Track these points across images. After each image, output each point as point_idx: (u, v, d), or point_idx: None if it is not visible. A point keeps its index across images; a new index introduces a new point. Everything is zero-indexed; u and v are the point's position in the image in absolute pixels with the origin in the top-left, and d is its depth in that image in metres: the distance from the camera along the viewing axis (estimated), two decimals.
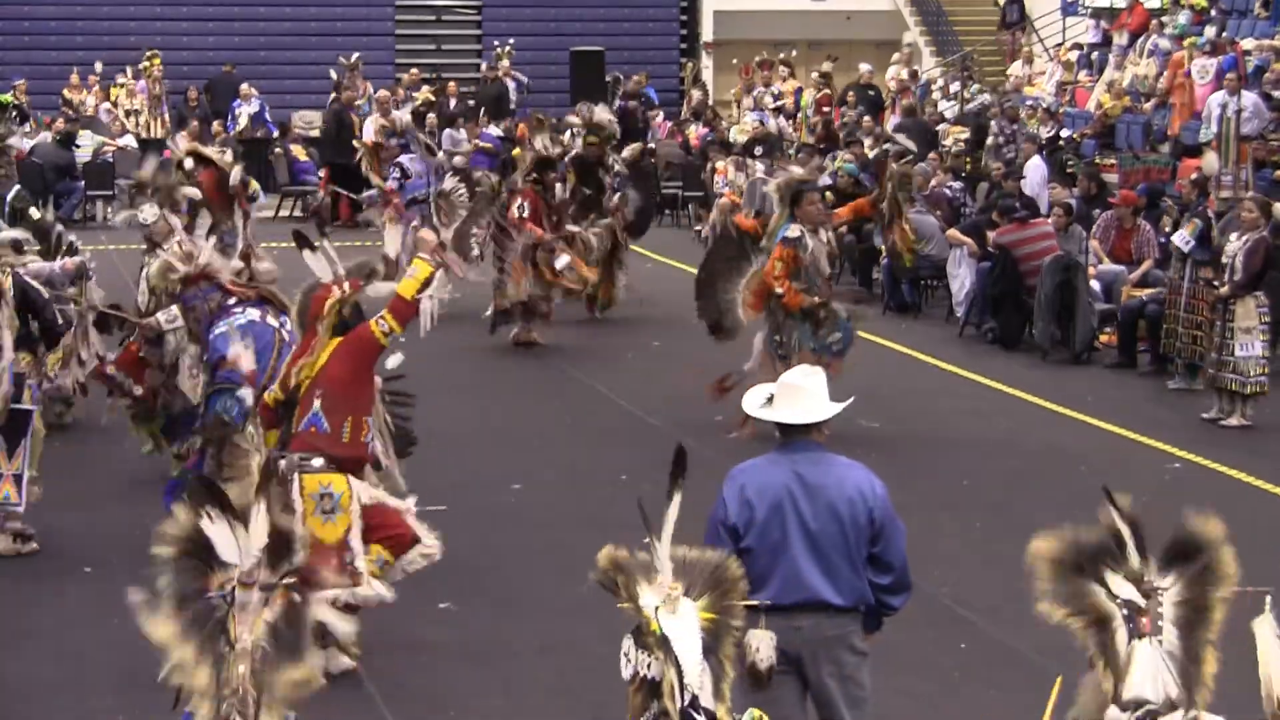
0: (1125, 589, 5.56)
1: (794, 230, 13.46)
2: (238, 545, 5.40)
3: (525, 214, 16.99)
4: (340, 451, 8.49)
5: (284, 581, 5.39)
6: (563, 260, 17.13)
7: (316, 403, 8.47)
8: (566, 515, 11.40)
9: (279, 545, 5.44)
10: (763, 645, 6.26)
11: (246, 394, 9.98)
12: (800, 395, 6.76)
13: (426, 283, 8.76)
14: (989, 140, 24.48)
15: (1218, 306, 14.48)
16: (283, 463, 8.25)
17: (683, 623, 5.61)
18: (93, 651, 9.18)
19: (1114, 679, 5.43)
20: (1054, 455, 13.33)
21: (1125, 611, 5.50)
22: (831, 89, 29.02)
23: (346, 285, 8.74)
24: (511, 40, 31.22)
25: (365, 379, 8.70)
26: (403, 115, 22.29)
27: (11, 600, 10.09)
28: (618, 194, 19.01)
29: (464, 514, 10.97)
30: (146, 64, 28.92)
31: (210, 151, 15.29)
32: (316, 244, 8.90)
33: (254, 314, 10.50)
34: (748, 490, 6.63)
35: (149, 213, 12.69)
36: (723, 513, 6.63)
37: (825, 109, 28.30)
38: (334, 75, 28.48)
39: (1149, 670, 5.44)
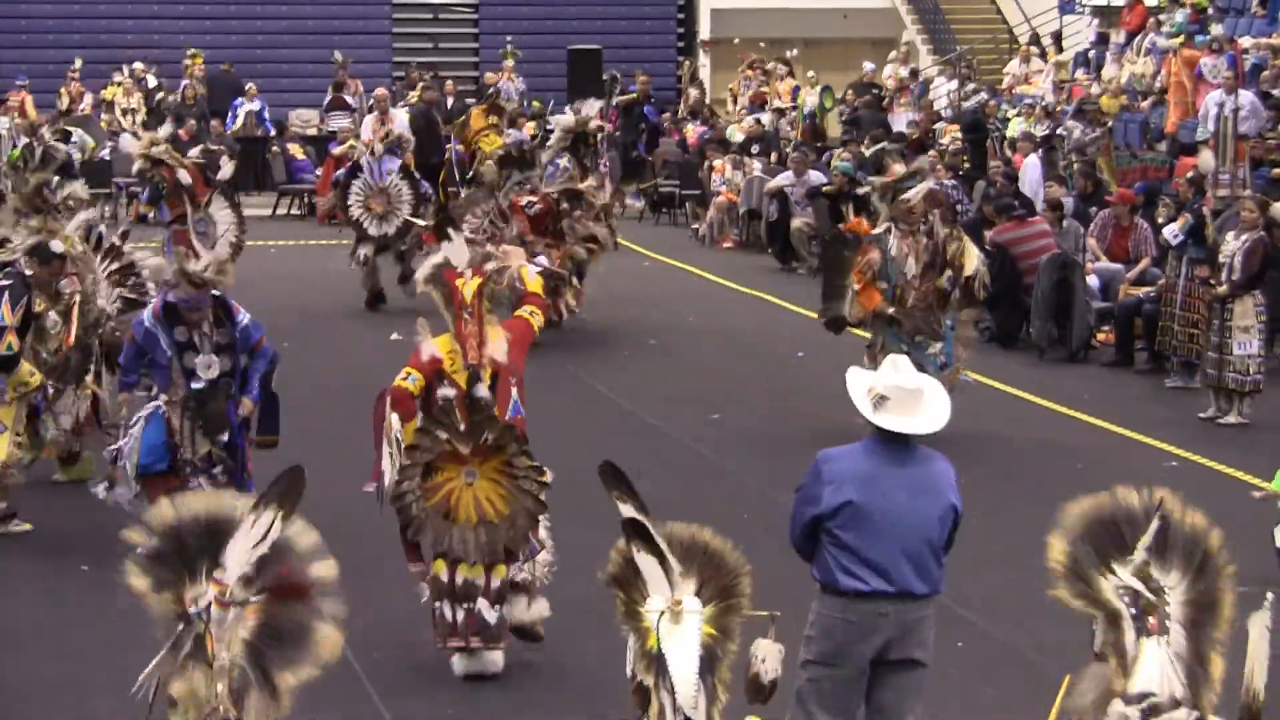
0: (1133, 585, 5.58)
1: (880, 228, 13.46)
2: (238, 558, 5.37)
3: (534, 209, 16.78)
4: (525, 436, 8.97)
5: (257, 598, 5.37)
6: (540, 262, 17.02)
7: (514, 391, 8.94)
8: (564, 514, 11.39)
9: (267, 559, 5.41)
10: (770, 657, 6.24)
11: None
12: (917, 401, 6.70)
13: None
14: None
15: (1215, 306, 14.50)
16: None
17: (683, 637, 5.59)
18: (93, 652, 9.18)
19: (1124, 676, 5.45)
20: (1051, 453, 13.35)
21: (1133, 610, 5.51)
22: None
23: (475, 271, 9.10)
24: (509, 38, 31.21)
25: None
26: (401, 117, 22.31)
27: (11, 600, 10.10)
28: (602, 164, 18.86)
29: None
30: (189, 62, 28.84)
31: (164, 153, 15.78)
32: (453, 234, 9.54)
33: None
34: (839, 477, 6.67)
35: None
36: (812, 495, 6.69)
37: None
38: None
39: (1155, 666, 5.46)
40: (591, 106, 18.92)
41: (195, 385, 10.32)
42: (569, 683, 8.89)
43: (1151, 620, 5.53)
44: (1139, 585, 5.58)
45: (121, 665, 8.58)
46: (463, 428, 8.75)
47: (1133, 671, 5.48)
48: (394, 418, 8.82)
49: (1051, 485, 12.41)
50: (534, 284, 9.39)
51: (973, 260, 13.63)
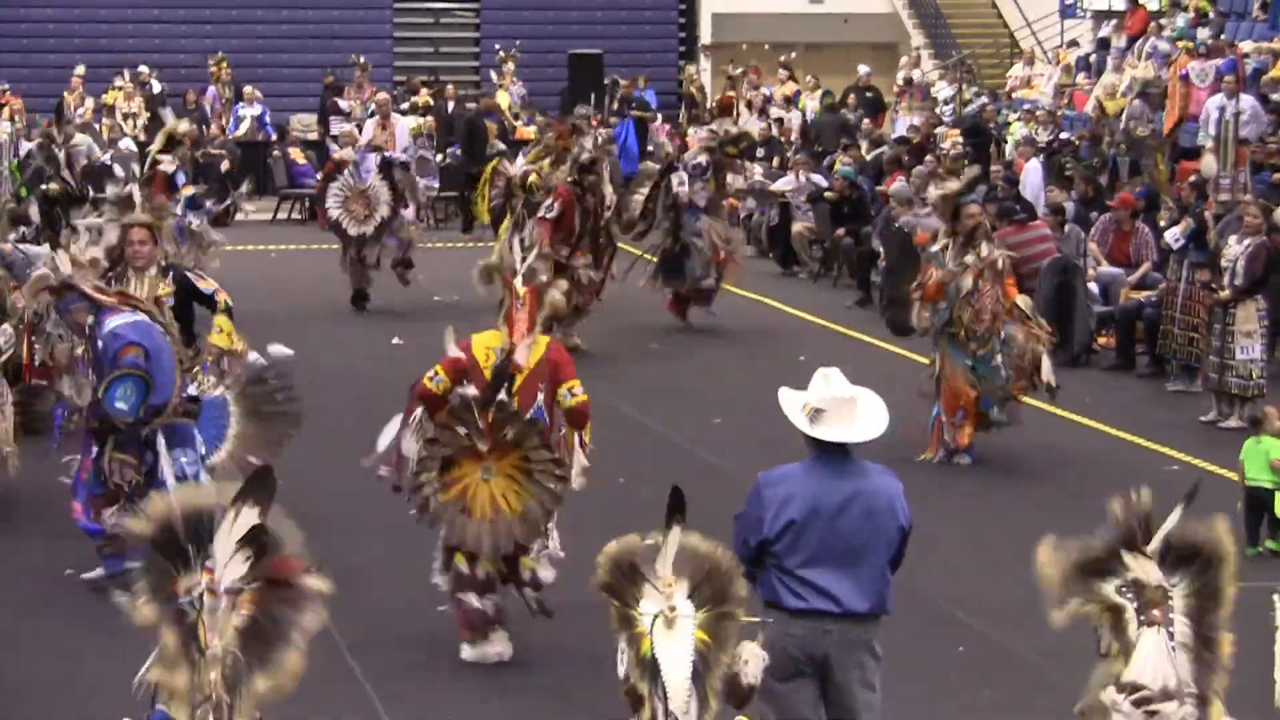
0: (1138, 579, 5.58)
1: (936, 245, 13.23)
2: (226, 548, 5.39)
3: (551, 214, 16.59)
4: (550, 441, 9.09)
5: (251, 585, 5.39)
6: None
7: (539, 396, 9.04)
8: (563, 517, 11.40)
9: (256, 549, 5.42)
10: (752, 661, 6.17)
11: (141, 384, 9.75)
12: (852, 410, 6.64)
13: None
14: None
15: (1217, 310, 14.50)
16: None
17: (676, 643, 5.57)
18: (92, 652, 9.18)
19: (1125, 664, 5.47)
20: (1052, 457, 13.33)
21: (1136, 604, 5.52)
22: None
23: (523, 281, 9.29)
24: (518, 42, 31.22)
25: None
26: (403, 124, 22.39)
27: (11, 601, 10.09)
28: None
29: None
30: (215, 67, 28.81)
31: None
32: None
33: (135, 316, 9.98)
34: (781, 500, 6.59)
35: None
36: (753, 517, 6.62)
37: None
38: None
39: (1150, 657, 5.47)
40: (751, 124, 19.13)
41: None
42: (568, 685, 8.88)
43: (1155, 612, 5.54)
44: (1145, 578, 5.58)
45: (121, 666, 8.61)
46: (482, 425, 8.86)
47: (1130, 660, 5.51)
48: (419, 411, 9.16)
49: (1052, 489, 12.42)
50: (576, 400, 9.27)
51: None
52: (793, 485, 6.63)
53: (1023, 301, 13.31)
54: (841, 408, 6.62)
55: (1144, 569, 5.57)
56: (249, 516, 5.39)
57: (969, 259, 13.02)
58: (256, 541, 5.38)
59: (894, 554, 6.72)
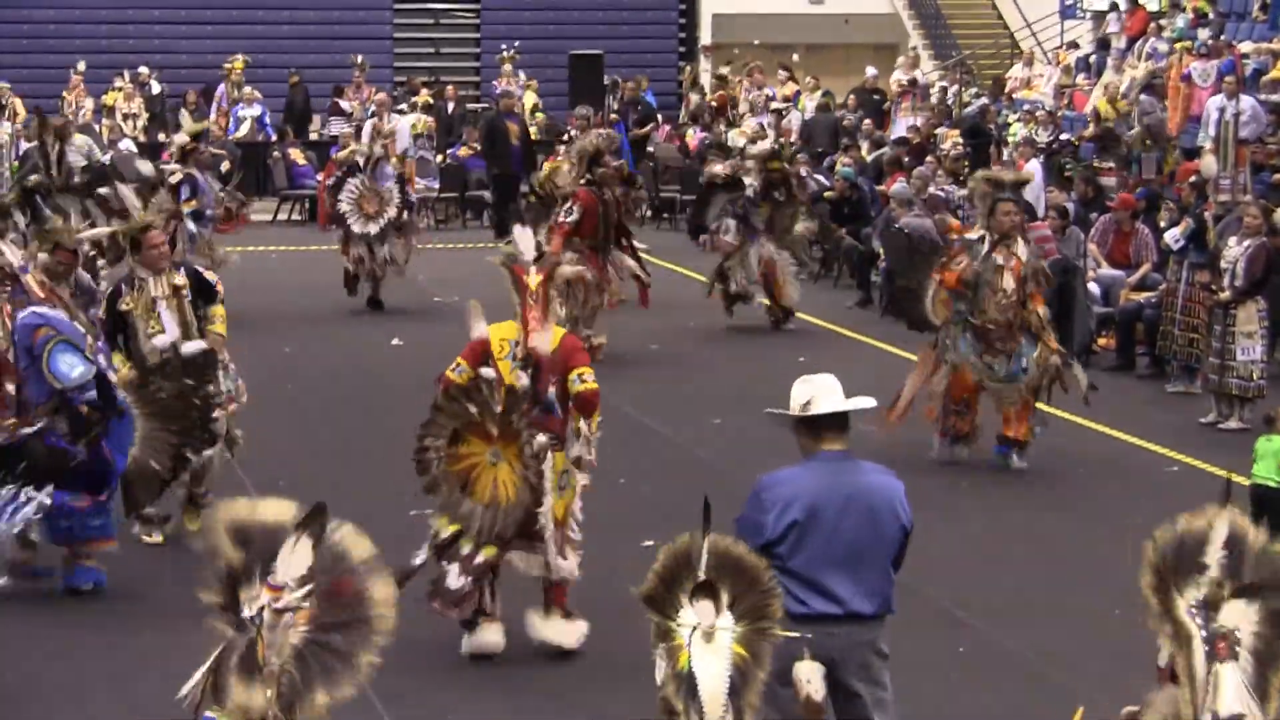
0: (1206, 608, 5.52)
1: (976, 233, 13.10)
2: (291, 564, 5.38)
3: (571, 217, 16.28)
4: (562, 435, 9.13)
5: (310, 604, 5.38)
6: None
7: (551, 389, 9.06)
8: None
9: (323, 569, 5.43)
10: (814, 677, 6.11)
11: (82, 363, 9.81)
12: (837, 389, 6.72)
13: None
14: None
15: (1217, 311, 14.50)
16: (540, 439, 8.94)
17: (714, 657, 5.56)
18: (92, 653, 9.18)
19: (1192, 701, 5.39)
20: (1052, 458, 13.32)
21: (1205, 634, 5.46)
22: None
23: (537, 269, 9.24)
24: (517, 43, 31.23)
25: None
26: (402, 125, 22.35)
27: (10, 602, 10.09)
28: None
29: None
30: (228, 66, 28.78)
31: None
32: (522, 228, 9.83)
33: (54, 311, 10.06)
34: (783, 502, 6.58)
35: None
36: (754, 520, 6.59)
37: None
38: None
39: (1238, 690, 5.40)
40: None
41: None
42: (568, 684, 8.89)
43: (1221, 645, 5.47)
44: (1212, 609, 5.53)
45: (120, 668, 8.62)
46: (497, 407, 8.88)
47: (1218, 693, 5.42)
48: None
49: (1053, 490, 12.42)
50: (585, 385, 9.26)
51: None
52: (794, 486, 6.63)
53: (1044, 312, 13.20)
54: (827, 391, 6.69)
55: (1212, 596, 5.50)
56: (306, 548, 5.38)
57: (998, 258, 12.91)
58: (320, 561, 5.37)
59: (895, 554, 6.72)
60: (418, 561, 9.05)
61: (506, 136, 25.01)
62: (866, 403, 6.79)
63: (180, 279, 10.87)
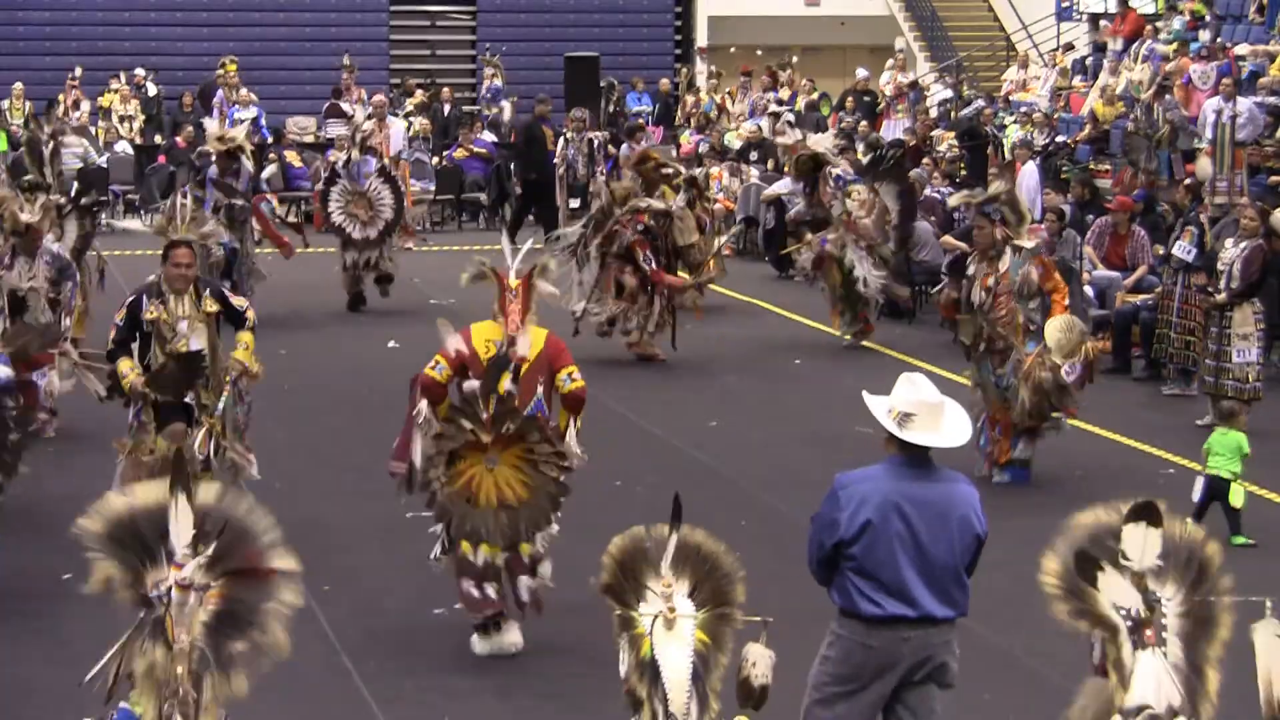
0: (1128, 597, 5.55)
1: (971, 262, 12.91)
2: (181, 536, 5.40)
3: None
4: (551, 434, 9.20)
5: (218, 580, 5.40)
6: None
7: (539, 389, 9.16)
8: (560, 520, 11.41)
9: (204, 535, 5.44)
10: (760, 662, 6.15)
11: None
12: (939, 416, 6.62)
13: None
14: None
15: (1213, 313, 14.49)
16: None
17: (676, 644, 5.56)
18: (92, 653, 9.15)
19: (1123, 691, 5.42)
20: (1048, 460, 13.30)
21: (1130, 623, 5.49)
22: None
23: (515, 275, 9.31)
24: (504, 46, 31.20)
25: None
26: (398, 126, 22.33)
27: (10, 602, 10.07)
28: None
29: None
30: (221, 71, 28.75)
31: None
32: (514, 241, 10.07)
33: None
34: (858, 501, 6.53)
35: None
36: (829, 517, 6.56)
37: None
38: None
39: (1152, 679, 5.43)
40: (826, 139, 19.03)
41: None
42: (565, 684, 8.88)
43: (1147, 632, 5.51)
44: (1135, 598, 5.56)
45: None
46: (485, 418, 8.94)
47: (1130, 685, 5.46)
48: (423, 404, 9.22)
49: (1049, 492, 12.41)
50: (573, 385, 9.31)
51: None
52: (871, 486, 6.58)
53: (1022, 321, 12.74)
54: (930, 413, 6.60)
55: (1136, 583, 5.54)
56: (185, 506, 5.40)
57: (981, 273, 12.74)
58: (221, 535, 5.39)
59: (968, 563, 6.71)
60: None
61: (543, 142, 25.01)
62: (960, 440, 6.68)
63: (213, 305, 10.45)
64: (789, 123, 22.33)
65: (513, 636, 9.23)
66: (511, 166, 26.88)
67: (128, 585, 5.44)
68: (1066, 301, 12.91)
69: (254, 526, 5.56)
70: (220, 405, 10.44)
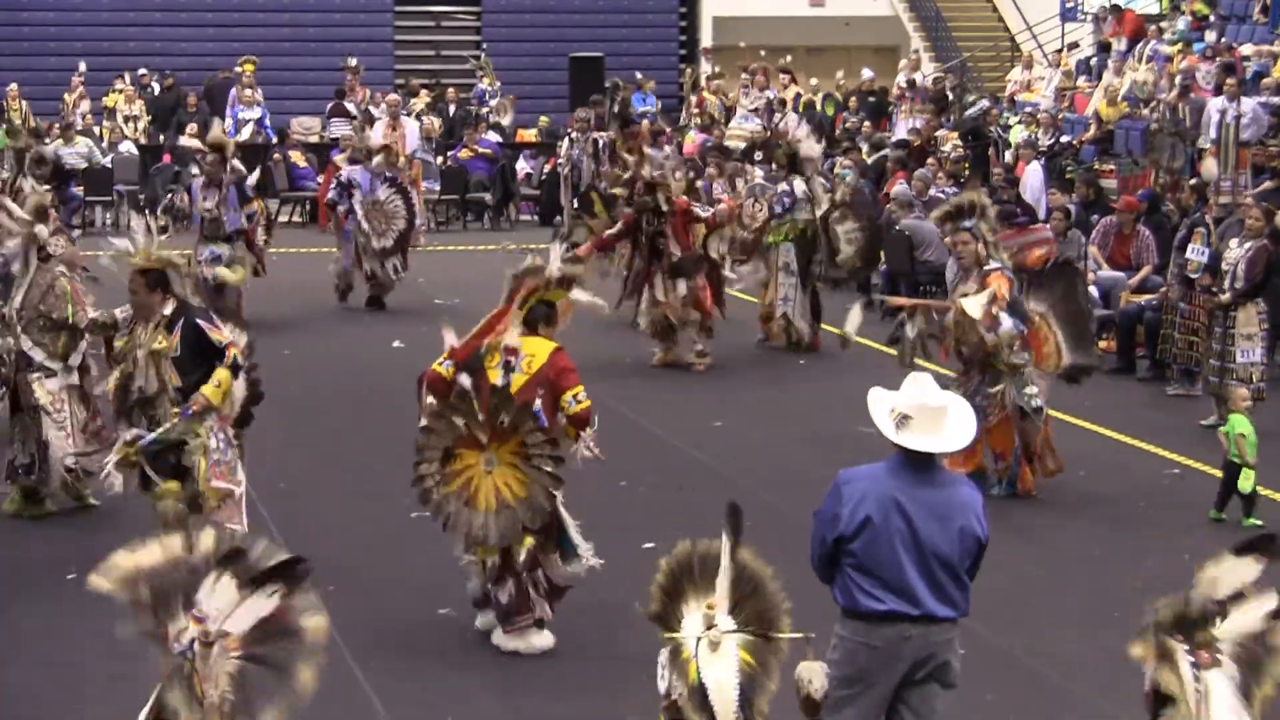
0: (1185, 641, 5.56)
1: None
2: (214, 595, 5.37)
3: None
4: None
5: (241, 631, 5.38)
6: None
7: (538, 401, 9.10)
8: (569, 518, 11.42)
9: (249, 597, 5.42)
10: (815, 677, 6.09)
11: None
12: (940, 419, 6.61)
13: None
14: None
15: (1217, 313, 14.47)
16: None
17: (722, 664, 5.54)
18: (92, 653, 9.17)
19: (1190, 712, 5.41)
20: None
21: (1186, 646, 5.48)
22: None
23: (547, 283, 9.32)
24: (484, 46, 31.23)
25: None
26: (412, 127, 22.33)
27: (10, 602, 10.08)
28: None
29: None
30: (239, 69, 28.72)
31: None
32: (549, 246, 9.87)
33: None
34: (859, 498, 6.55)
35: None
36: (830, 513, 6.58)
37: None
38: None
39: (1228, 698, 5.42)
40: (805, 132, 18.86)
41: None
42: (568, 684, 8.88)
43: (1204, 655, 5.50)
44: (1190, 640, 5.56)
45: (115, 672, 8.59)
46: (481, 416, 8.95)
47: (1208, 703, 5.44)
48: (429, 401, 9.26)
49: (1053, 493, 12.39)
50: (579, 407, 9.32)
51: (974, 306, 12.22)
52: (871, 483, 6.59)
53: (992, 340, 12.27)
54: (929, 416, 6.58)
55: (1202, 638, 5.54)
56: (229, 584, 5.37)
57: (966, 288, 12.40)
58: (249, 589, 5.37)
59: (970, 566, 6.72)
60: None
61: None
62: (957, 445, 6.68)
63: (164, 341, 9.70)
64: (715, 153, 22.21)
65: (541, 638, 9.21)
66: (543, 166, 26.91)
67: (156, 639, 5.42)
68: (996, 311, 12.21)
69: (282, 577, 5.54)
70: (150, 436, 9.66)
